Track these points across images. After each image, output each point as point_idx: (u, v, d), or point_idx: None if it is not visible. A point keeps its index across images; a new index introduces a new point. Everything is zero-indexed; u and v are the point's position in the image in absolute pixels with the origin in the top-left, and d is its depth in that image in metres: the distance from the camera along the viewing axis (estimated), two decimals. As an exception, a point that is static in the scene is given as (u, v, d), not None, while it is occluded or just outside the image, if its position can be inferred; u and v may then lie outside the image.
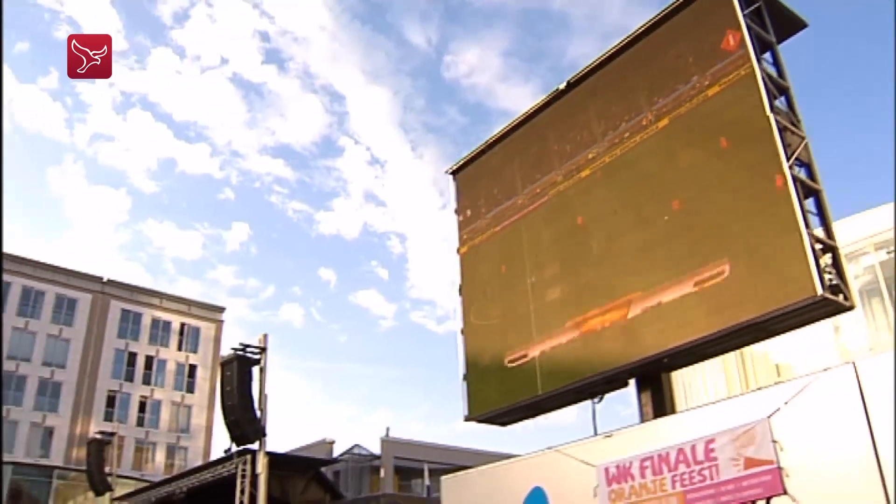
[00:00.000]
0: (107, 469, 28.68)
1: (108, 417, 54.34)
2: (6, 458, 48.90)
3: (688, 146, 12.06)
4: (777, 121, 10.68)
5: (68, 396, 54.93)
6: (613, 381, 12.73)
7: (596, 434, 11.85)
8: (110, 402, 56.75)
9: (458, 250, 16.37)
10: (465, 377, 15.08)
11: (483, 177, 16.24)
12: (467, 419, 14.81)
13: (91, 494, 33.52)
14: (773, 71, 11.74)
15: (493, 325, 14.88)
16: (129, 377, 58.86)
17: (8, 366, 54.35)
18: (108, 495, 28.78)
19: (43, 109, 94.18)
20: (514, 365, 13.99)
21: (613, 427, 11.38)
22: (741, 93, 11.27)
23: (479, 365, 14.92)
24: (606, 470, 10.75)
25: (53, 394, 54.65)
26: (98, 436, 30.09)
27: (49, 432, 53.37)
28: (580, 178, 13.75)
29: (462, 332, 15.59)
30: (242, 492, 17.87)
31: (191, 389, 61.24)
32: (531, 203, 14.79)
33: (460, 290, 16.02)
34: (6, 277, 56.60)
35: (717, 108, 11.62)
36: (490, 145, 16.22)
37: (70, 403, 54.28)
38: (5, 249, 57.52)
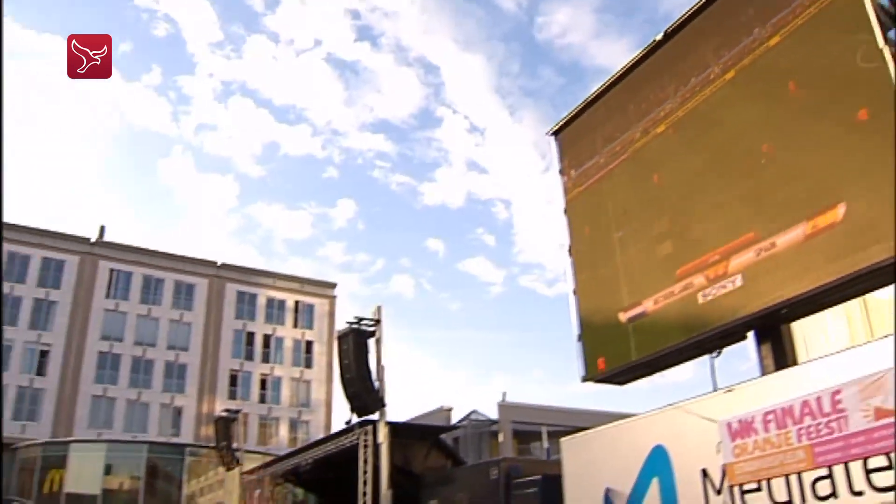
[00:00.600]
0: (234, 445, 29.45)
1: (232, 395, 56.38)
2: (141, 437, 51.32)
3: (765, 91, 11.44)
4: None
5: (193, 377, 57.07)
6: (731, 334, 12.12)
7: (716, 389, 11.36)
8: (233, 380, 58.78)
9: (564, 211, 15.91)
10: (580, 337, 14.66)
11: (585, 135, 15.72)
12: (584, 380, 14.42)
13: (221, 469, 34.63)
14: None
15: (604, 284, 14.41)
16: (249, 356, 60.71)
17: (135, 351, 56.83)
18: (236, 469, 29.58)
19: (149, 105, 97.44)
20: (628, 323, 13.51)
21: (733, 382, 10.87)
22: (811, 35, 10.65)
23: (594, 324, 14.48)
24: (729, 425, 10.25)
25: (179, 375, 56.88)
26: (224, 413, 30.88)
27: (178, 412, 55.64)
28: (680, 125, 13.18)
29: (574, 292, 15.16)
30: (365, 461, 17.90)
31: (308, 365, 62.69)
32: (634, 156, 14.26)
33: (569, 250, 15.58)
34: (129, 268, 59.06)
35: (785, 53, 11.02)
36: (589, 103, 15.65)
37: (195, 384, 56.34)
38: (126, 241, 59.96)
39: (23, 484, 49.51)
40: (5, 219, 55.41)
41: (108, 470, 48.35)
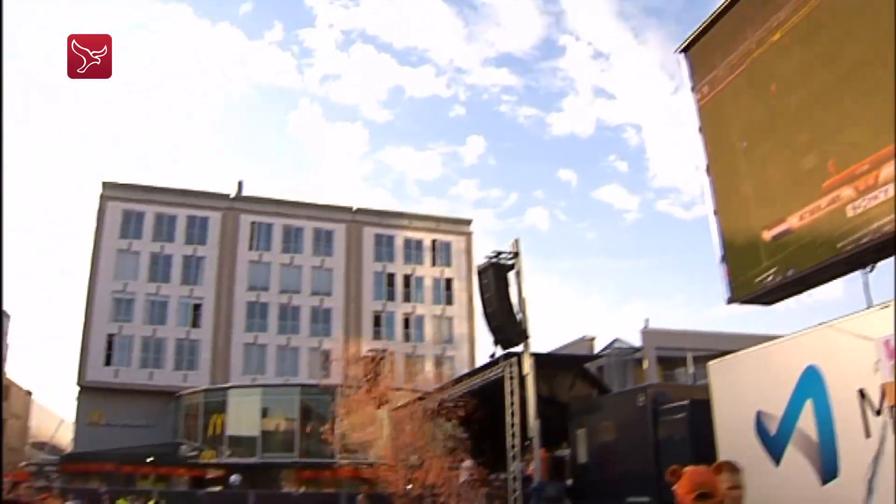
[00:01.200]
0: (381, 383, 29.78)
1: (377, 336, 57.39)
2: (293, 381, 53.03)
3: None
4: None
5: (338, 320, 58.39)
6: (884, 247, 11.00)
7: (870, 306, 10.26)
8: (376, 321, 59.82)
9: (699, 129, 14.94)
10: (723, 258, 13.79)
11: (715, 50, 14.63)
12: (729, 301, 13.60)
13: (370, 407, 35.24)
14: None
15: (746, 202, 13.47)
16: (391, 297, 61.57)
17: (281, 299, 58.61)
18: (386, 407, 29.97)
19: (273, 61, 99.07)
20: (773, 240, 12.56)
21: (888, 298, 9.73)
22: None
23: (737, 244, 13.61)
24: (887, 343, 9.23)
25: (325, 320, 58.35)
26: (370, 353, 31.30)
27: (326, 355, 57.15)
28: (804, 33, 12.01)
29: (714, 212, 14.25)
30: (512, 393, 17.69)
31: (449, 302, 63.04)
32: (765, 68, 13.12)
33: (707, 169, 14.63)
34: (269, 220, 60.71)
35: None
36: (718, 16, 14.50)
37: (341, 326, 57.59)
38: (264, 194, 61.48)
39: (189, 428, 52.35)
40: (152, 183, 57.86)
41: (264, 413, 50.43)
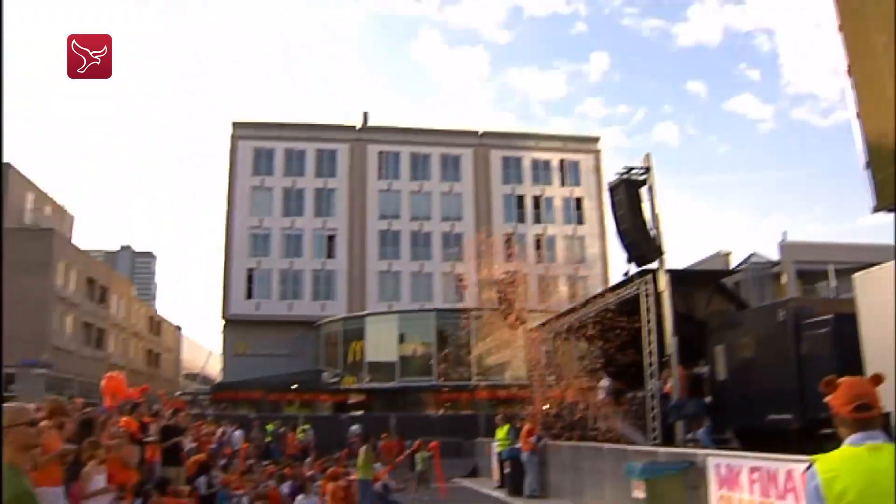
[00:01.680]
0: (516, 305, 29.42)
1: (509, 258, 56.96)
2: (428, 306, 53.47)
3: None
4: None
5: (469, 244, 58.21)
6: None
7: None
8: (508, 243, 59.34)
9: (838, 28, 13.41)
10: (868, 164, 12.45)
11: None
12: (876, 210, 12.32)
13: (506, 329, 35.02)
14: None
15: (891, 102, 11.98)
16: (521, 219, 60.99)
17: (412, 226, 58.96)
18: (520, 329, 29.65)
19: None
20: None
21: None
22: None
23: (885, 147, 12.24)
24: None
25: (456, 244, 58.35)
26: (503, 275, 30.99)
27: (459, 279, 57.39)
28: None
29: (857, 116, 12.86)
30: (648, 311, 17.02)
31: (580, 221, 61.97)
32: None
33: (848, 71, 13.16)
34: (396, 148, 60.89)
35: None
36: None
37: (472, 250, 57.46)
38: (390, 123, 61.63)
39: (329, 356, 53.89)
40: (280, 119, 58.89)
41: (401, 338, 51.21)
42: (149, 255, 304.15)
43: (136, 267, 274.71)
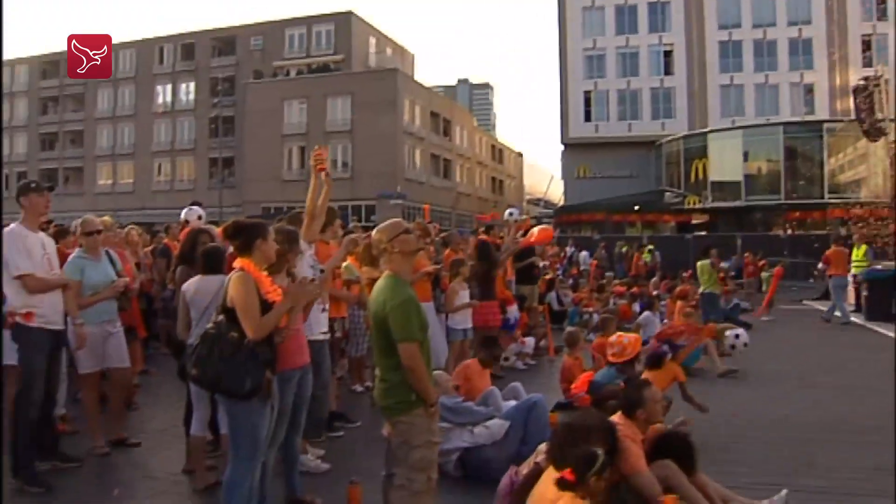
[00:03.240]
0: (876, 115, 27.31)
1: (867, 63, 51.56)
2: (774, 120, 50.69)
3: None
4: None
5: (820, 50, 53.47)
6: None
7: None
8: (866, 46, 53.52)
9: None
10: None
11: None
12: None
13: (863, 142, 32.70)
14: None
15: None
16: (883, 15, 54.46)
17: (755, 34, 55.05)
18: (881, 140, 27.65)
19: None
20: None
21: None
22: None
23: None
24: None
25: (805, 51, 53.85)
26: (861, 83, 28.85)
27: (808, 89, 53.37)
28: None
29: None
30: None
31: (957, 13, 54.12)
32: None
33: None
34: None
35: None
36: None
37: (823, 56, 52.93)
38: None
39: (670, 176, 53.64)
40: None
41: (746, 156, 49.48)
42: (486, 87, 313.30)
43: (474, 99, 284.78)
